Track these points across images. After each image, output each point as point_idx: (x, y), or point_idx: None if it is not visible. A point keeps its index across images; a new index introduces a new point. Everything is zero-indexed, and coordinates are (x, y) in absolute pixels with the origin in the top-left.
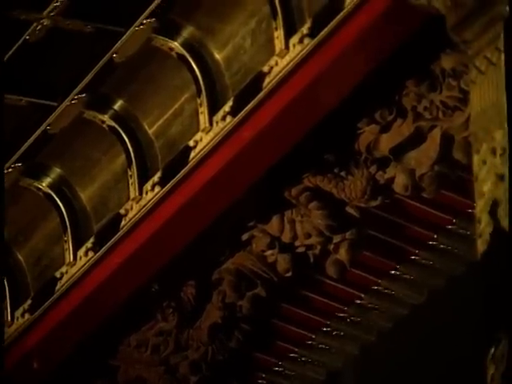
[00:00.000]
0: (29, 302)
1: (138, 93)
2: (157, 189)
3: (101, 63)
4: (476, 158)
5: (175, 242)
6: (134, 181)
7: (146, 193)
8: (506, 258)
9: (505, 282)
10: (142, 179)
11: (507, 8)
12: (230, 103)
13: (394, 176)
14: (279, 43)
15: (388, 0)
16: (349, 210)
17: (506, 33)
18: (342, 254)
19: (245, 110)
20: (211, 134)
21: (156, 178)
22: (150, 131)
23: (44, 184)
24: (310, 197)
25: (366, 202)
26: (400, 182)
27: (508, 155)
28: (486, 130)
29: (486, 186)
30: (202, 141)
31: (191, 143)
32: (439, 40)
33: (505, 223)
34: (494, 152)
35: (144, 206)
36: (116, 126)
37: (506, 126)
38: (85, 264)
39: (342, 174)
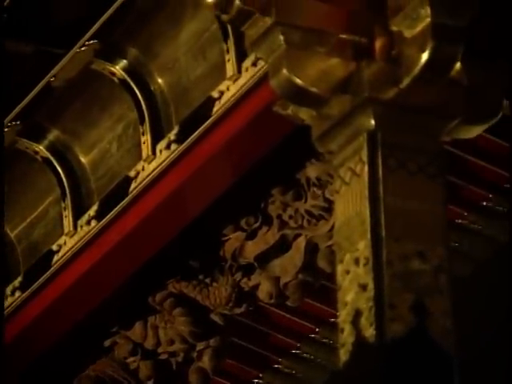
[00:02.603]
0: None
1: None
2: (18, 293)
3: None
4: (339, 268)
5: (33, 349)
6: None
7: (7, 297)
8: (368, 368)
9: None
10: (3, 284)
11: (371, 121)
12: (95, 207)
13: (259, 283)
14: (146, 148)
15: (255, 109)
16: (213, 317)
17: (369, 144)
18: (206, 362)
19: (110, 214)
20: (75, 238)
21: (17, 282)
22: (12, 234)
23: None
24: (174, 303)
25: (230, 310)
26: (264, 290)
27: (371, 265)
28: (349, 239)
29: (349, 296)
30: (65, 245)
31: (54, 247)
32: (305, 149)
33: (367, 333)
34: (357, 262)
35: (6, 309)
36: None
37: (369, 236)
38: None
39: (207, 280)
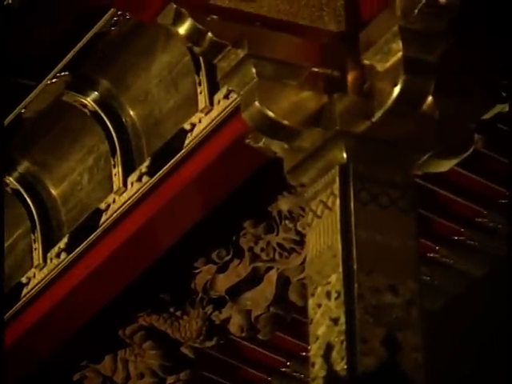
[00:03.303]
0: None
1: None
2: None
3: None
4: (311, 301)
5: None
6: None
7: None
8: None
9: None
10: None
11: (343, 154)
12: (65, 240)
13: (230, 316)
14: (117, 181)
15: (227, 141)
16: (184, 350)
17: (341, 178)
18: None
19: (80, 247)
20: (45, 271)
21: None
22: None
23: None
24: (145, 336)
25: (201, 343)
26: (235, 323)
27: (343, 299)
28: (321, 273)
29: (320, 330)
30: (35, 277)
31: (24, 280)
32: (277, 182)
33: (339, 367)
34: (328, 295)
35: None
36: None
37: (340, 269)
38: None
39: (178, 313)
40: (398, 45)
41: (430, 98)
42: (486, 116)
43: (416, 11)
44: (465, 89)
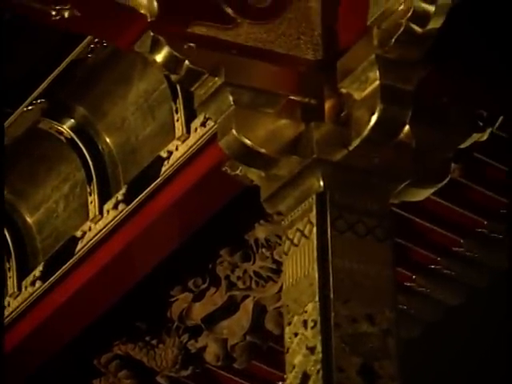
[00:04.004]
0: None
1: None
2: None
3: None
4: (287, 330)
5: None
6: None
7: None
8: None
9: None
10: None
11: (320, 182)
12: (40, 268)
13: (206, 345)
14: (93, 208)
15: (204, 169)
16: (159, 379)
17: (318, 206)
18: None
19: (55, 275)
20: (19, 299)
21: None
22: None
23: None
24: (120, 365)
25: (176, 372)
26: (211, 352)
27: (319, 328)
28: (297, 301)
29: (296, 359)
30: (9, 306)
31: None
32: (254, 210)
33: None
34: (305, 324)
35: None
36: None
37: (317, 298)
38: None
39: (154, 342)
40: (375, 73)
41: (407, 127)
42: (463, 145)
43: (393, 40)
44: (442, 118)
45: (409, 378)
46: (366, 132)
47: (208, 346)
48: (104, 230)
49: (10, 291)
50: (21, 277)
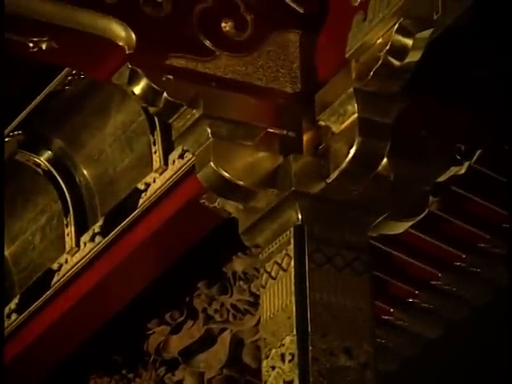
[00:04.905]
0: None
1: None
2: None
3: None
4: (265, 363)
5: None
6: None
7: None
8: None
9: None
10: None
11: (298, 215)
12: (16, 300)
13: (183, 379)
14: (70, 240)
15: (182, 202)
16: None
17: (296, 239)
18: None
19: (31, 307)
20: None
21: None
22: None
23: None
24: None
25: None
26: None
27: (297, 361)
28: (275, 335)
29: None
30: None
31: None
32: (231, 243)
33: None
34: (282, 358)
35: None
36: None
37: (295, 332)
38: None
39: (130, 375)
40: (354, 106)
41: (385, 160)
42: (441, 178)
43: (371, 73)
44: (420, 151)
45: None
46: (344, 165)
47: (185, 379)
48: (81, 262)
49: None
50: None
